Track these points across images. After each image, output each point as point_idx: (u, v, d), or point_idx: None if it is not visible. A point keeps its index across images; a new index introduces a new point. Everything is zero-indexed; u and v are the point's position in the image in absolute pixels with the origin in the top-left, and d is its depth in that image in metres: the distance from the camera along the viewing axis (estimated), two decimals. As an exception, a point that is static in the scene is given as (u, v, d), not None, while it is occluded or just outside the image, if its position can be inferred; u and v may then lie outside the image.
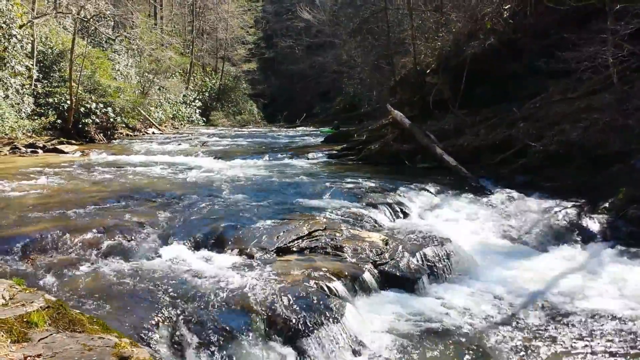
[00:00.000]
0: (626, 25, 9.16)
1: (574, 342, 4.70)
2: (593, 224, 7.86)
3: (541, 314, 5.33)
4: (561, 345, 4.66)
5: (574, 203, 8.51)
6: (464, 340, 4.76)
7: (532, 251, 7.36)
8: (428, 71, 16.02)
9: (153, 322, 4.28)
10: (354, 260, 6.01)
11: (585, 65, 9.54)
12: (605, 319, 5.15)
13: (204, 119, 37.55)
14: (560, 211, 8.26)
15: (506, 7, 13.14)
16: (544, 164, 10.08)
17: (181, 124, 33.31)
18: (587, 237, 7.66)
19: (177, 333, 4.26)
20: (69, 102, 19.36)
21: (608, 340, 4.71)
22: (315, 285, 5.16)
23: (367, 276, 5.72)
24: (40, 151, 16.49)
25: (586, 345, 4.63)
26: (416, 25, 18.15)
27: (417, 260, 6.24)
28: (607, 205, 8.22)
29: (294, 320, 4.61)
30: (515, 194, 9.25)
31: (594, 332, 4.88)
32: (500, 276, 6.35)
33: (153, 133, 26.78)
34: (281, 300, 4.81)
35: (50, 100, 19.22)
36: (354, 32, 25.75)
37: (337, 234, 6.63)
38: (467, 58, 13.36)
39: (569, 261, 6.89)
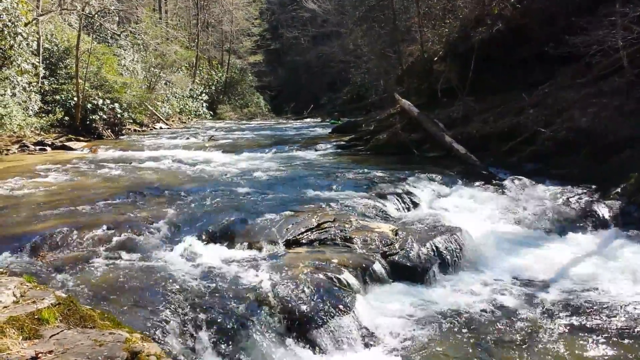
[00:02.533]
0: (635, 8, 9.05)
1: (587, 330, 4.66)
2: (604, 210, 7.79)
3: (553, 302, 5.29)
4: (574, 332, 4.62)
5: (584, 190, 8.44)
6: (475, 330, 4.73)
7: (543, 239, 7.30)
8: (435, 59, 15.93)
9: (164, 317, 4.29)
10: (363, 251, 5.99)
11: (595, 49, 9.43)
12: (619, 305, 5.10)
13: (211, 112, 37.55)
14: (570, 198, 8.20)
15: (513, -8, 12.99)
16: (553, 151, 10.00)
17: (188, 118, 33.34)
18: (599, 224, 7.59)
19: (188, 327, 4.27)
20: (76, 98, 19.41)
21: (621, 327, 4.67)
22: (325, 277, 5.15)
23: (377, 267, 5.70)
24: (48, 148, 16.57)
25: (599, 333, 4.59)
26: (423, 12, 18.02)
27: (427, 250, 6.20)
28: (618, 191, 8.15)
29: (304, 312, 4.61)
30: (525, 181, 9.18)
31: (607, 319, 4.84)
32: (511, 264, 6.32)
33: (160, 128, 26.83)
34: (292, 292, 4.80)
35: (57, 97, 19.27)
36: (359, 20, 25.59)
37: (347, 225, 6.61)
38: (475, 44, 13.24)
39: (580, 248, 6.84)
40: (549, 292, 5.55)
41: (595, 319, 4.86)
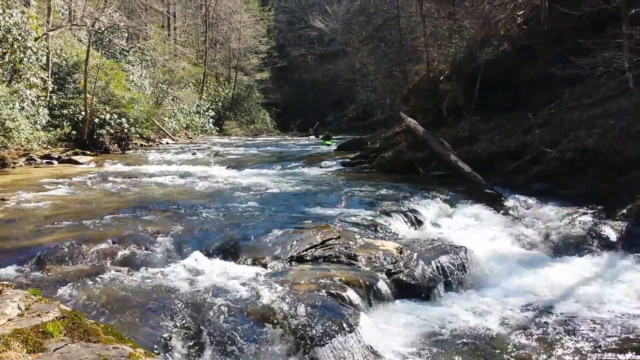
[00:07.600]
0: (641, 30, 9.07)
1: (591, 352, 4.61)
2: (610, 231, 7.74)
3: (558, 323, 5.24)
4: (578, 355, 4.58)
5: (590, 210, 8.40)
6: (478, 349, 4.69)
7: (548, 259, 7.27)
8: (441, 78, 15.98)
9: (167, 333, 4.28)
10: (368, 269, 5.97)
11: (601, 70, 9.45)
12: (624, 328, 5.06)
13: (217, 128, 37.73)
14: (576, 219, 8.16)
15: (520, 13, 13.07)
16: (559, 171, 9.96)
17: (195, 134, 33.51)
18: (604, 245, 7.54)
19: (191, 343, 4.25)
20: (83, 113, 19.55)
21: (626, 350, 4.62)
22: (329, 295, 5.13)
23: (381, 285, 5.67)
24: (55, 162, 16.67)
25: (603, 356, 4.55)
26: (429, 32, 18.15)
27: (432, 269, 6.18)
28: (624, 212, 8.10)
29: (308, 330, 4.58)
30: (530, 201, 9.16)
31: (611, 342, 4.79)
32: (516, 285, 6.28)
33: (167, 143, 26.96)
34: (295, 309, 4.78)
35: (65, 111, 19.41)
36: (366, 40, 25.83)
37: (351, 243, 6.60)
38: (480, 64, 13.29)
39: (586, 269, 6.79)
40: (554, 312, 5.51)
41: (600, 341, 4.82)
